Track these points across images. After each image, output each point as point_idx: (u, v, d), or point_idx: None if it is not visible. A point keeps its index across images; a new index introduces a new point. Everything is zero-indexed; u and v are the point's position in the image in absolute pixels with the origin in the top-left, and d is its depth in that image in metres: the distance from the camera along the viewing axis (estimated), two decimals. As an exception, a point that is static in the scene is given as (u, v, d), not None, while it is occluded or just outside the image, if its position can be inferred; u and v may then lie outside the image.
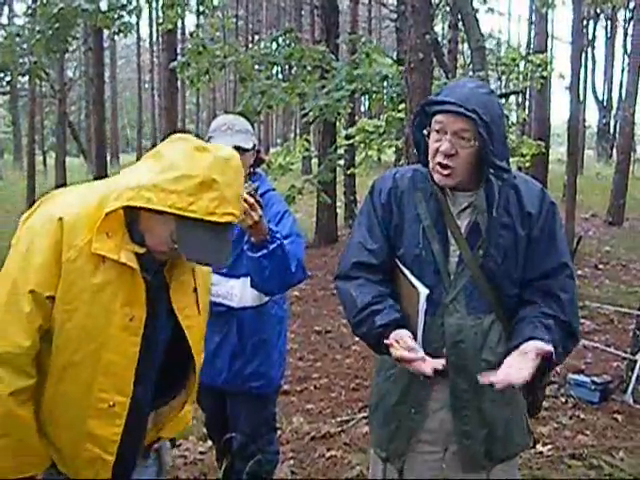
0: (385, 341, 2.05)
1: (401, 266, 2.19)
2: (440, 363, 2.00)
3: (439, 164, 2.09)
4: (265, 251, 2.76)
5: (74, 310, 1.82)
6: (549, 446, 4.35)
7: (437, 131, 2.08)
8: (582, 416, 4.87)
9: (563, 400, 5.15)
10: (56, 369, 1.87)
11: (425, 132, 2.14)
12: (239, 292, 3.09)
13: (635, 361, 5.26)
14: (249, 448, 3.24)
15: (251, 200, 2.60)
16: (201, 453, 4.33)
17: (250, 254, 2.81)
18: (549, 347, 1.98)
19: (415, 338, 2.07)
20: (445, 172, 2.09)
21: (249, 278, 3.03)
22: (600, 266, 10.63)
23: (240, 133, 3.04)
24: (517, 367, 1.96)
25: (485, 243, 2.13)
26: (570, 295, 2.17)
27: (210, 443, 4.01)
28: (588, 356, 6.28)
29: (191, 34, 9.66)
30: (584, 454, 4.25)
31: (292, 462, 4.22)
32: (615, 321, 7.32)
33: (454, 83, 2.20)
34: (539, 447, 4.32)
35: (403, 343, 2.02)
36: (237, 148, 2.94)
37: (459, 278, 2.15)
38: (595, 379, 5.21)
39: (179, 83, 15.92)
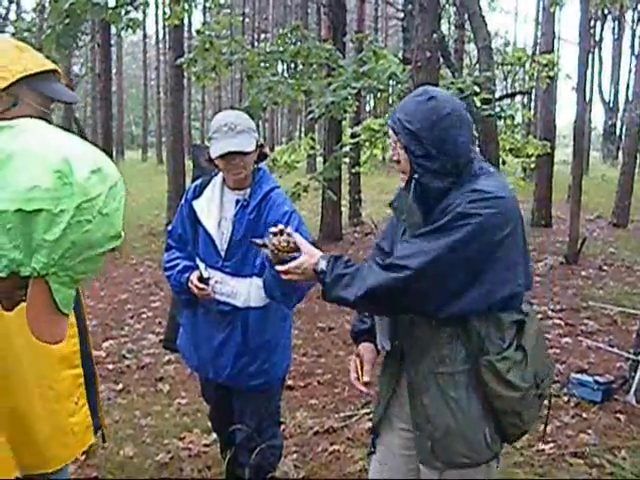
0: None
1: None
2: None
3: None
4: None
5: None
6: (551, 444, 4.36)
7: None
8: (584, 415, 4.87)
9: (566, 399, 5.15)
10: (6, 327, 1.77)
11: None
12: (245, 292, 3.09)
13: (638, 361, 5.26)
14: (253, 441, 3.25)
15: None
16: (205, 446, 4.36)
17: (273, 272, 2.64)
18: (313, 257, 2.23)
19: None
20: (401, 176, 2.25)
21: (255, 279, 3.05)
22: (604, 267, 10.61)
23: (242, 134, 3.01)
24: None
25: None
26: (389, 261, 2.15)
27: (214, 436, 4.05)
28: (591, 356, 6.28)
29: (198, 31, 9.65)
30: (586, 453, 4.25)
31: (295, 456, 4.24)
32: (619, 322, 7.31)
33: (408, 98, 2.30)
34: (541, 445, 4.34)
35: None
36: (239, 153, 2.98)
37: None
38: (598, 379, 5.21)
39: (185, 80, 15.92)
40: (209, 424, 3.91)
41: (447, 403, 2.20)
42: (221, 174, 3.17)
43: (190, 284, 3.11)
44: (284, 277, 2.25)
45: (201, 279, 3.08)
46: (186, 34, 22.28)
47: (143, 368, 6.05)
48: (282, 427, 4.52)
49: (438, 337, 2.20)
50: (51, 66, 1.88)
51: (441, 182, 2.14)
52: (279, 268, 2.26)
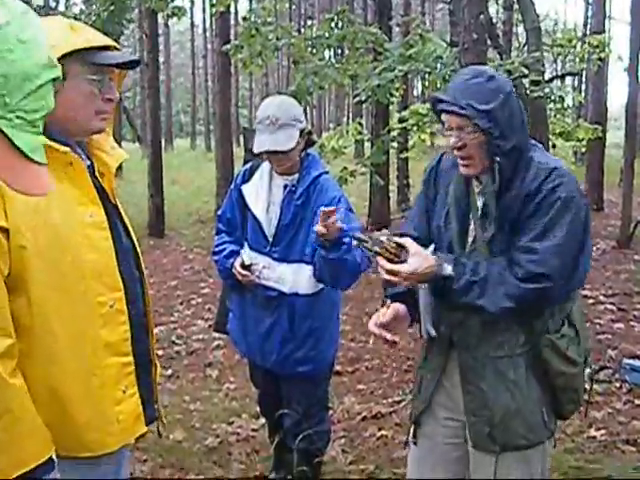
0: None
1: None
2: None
3: (459, 157, 2.18)
4: (337, 253, 2.84)
5: (39, 228, 1.74)
6: (603, 431, 4.30)
7: (446, 127, 2.19)
8: (637, 402, 4.79)
9: (618, 385, 5.07)
10: (43, 309, 1.77)
11: None
12: (291, 278, 3.10)
13: (693, 347, 5.15)
14: (301, 426, 3.27)
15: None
16: (253, 430, 4.40)
17: (323, 254, 2.87)
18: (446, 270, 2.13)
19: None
20: (463, 163, 2.19)
21: (303, 266, 3.07)
22: (657, 252, 10.37)
23: (283, 128, 2.97)
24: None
25: (491, 225, 2.18)
26: (523, 272, 2.09)
27: (262, 420, 4.08)
28: (645, 341, 6.17)
29: (244, 18, 9.67)
30: (638, 440, 4.19)
31: (343, 441, 4.26)
32: (670, 307, 7.15)
33: (455, 76, 2.26)
34: (592, 432, 4.28)
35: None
36: (276, 152, 2.98)
37: (470, 257, 2.19)
38: (651, 364, 5.13)
39: (232, 68, 15.98)
40: (257, 409, 3.95)
41: (507, 386, 2.22)
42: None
43: (234, 270, 3.14)
44: (395, 280, 2.14)
45: (244, 266, 3.11)
46: (232, 22, 22.33)
47: (192, 354, 6.13)
48: (330, 412, 4.54)
49: (496, 324, 2.20)
50: (106, 41, 1.89)
51: (511, 161, 2.14)
52: (392, 268, 2.10)
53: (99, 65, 1.85)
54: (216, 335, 5.93)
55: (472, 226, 2.23)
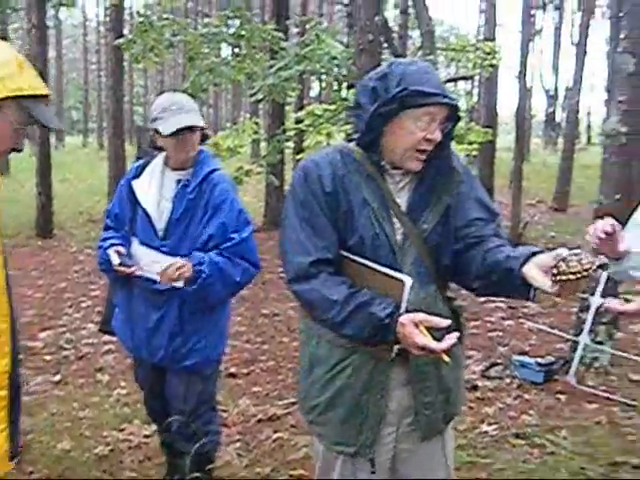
0: (401, 329, 1.94)
1: (362, 260, 2.11)
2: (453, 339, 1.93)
3: (421, 151, 2.09)
4: (195, 286, 2.96)
5: None
6: (494, 426, 4.39)
7: (425, 121, 2.06)
8: (526, 397, 4.93)
9: (508, 381, 5.21)
10: None
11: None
12: None
13: (578, 342, 5.34)
14: (189, 428, 3.21)
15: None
16: (146, 436, 4.25)
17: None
18: None
19: None
20: (423, 157, 2.10)
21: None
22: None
23: (191, 112, 3.04)
24: None
25: (428, 217, 2.15)
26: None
27: (155, 426, 3.95)
28: (532, 338, 6.37)
29: (138, 13, 9.43)
30: (528, 433, 4.30)
31: (238, 445, 4.17)
32: (559, 304, 7.42)
33: (413, 68, 2.08)
34: (484, 427, 4.37)
35: (431, 322, 1.94)
36: (191, 128, 3.02)
37: (407, 254, 2.14)
38: (539, 360, 5.29)
39: (126, 64, 15.60)
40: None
41: (457, 359, 2.25)
42: (161, 155, 3.16)
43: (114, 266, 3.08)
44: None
45: (121, 263, 3.06)
46: (127, 17, 21.80)
47: (82, 358, 5.90)
48: (225, 415, 4.48)
49: (434, 303, 2.19)
50: (44, 91, 1.87)
51: None
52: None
53: (31, 117, 1.85)
54: (107, 339, 5.73)
55: (397, 225, 2.14)
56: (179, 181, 3.11)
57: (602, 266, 1.87)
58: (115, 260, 3.04)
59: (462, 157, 2.30)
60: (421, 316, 1.95)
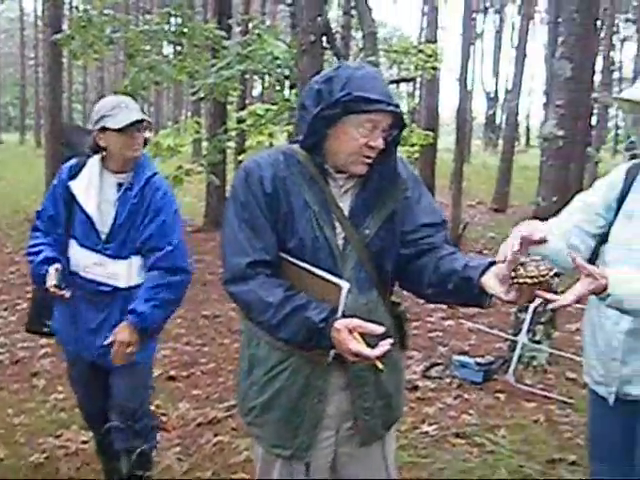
0: (335, 335, 1.92)
1: (301, 263, 2.09)
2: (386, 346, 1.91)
3: (366, 157, 2.07)
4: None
5: None
6: (434, 426, 4.43)
7: (367, 128, 2.03)
8: (466, 396, 4.99)
9: (448, 381, 5.27)
10: None
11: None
12: (126, 273, 3.10)
13: (516, 342, 5.44)
14: (131, 427, 3.19)
15: None
16: (83, 442, 4.16)
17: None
18: None
19: None
20: (368, 161, 2.09)
21: (134, 259, 3.10)
22: (485, 251, 10.96)
23: (138, 110, 3.10)
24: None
25: (370, 223, 2.13)
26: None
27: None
28: (472, 338, 6.46)
29: (77, 7, 9.24)
30: (468, 433, 4.35)
31: (178, 449, 4.12)
32: (498, 304, 7.51)
33: (360, 73, 2.04)
34: (424, 427, 4.41)
35: (366, 329, 1.92)
36: (142, 122, 3.08)
37: (348, 259, 2.12)
38: (479, 360, 5.37)
39: (65, 61, 15.27)
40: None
41: (396, 364, 2.28)
42: (97, 156, 3.14)
43: (48, 285, 3.04)
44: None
45: (57, 285, 3.02)
46: (67, 12, 21.33)
47: (17, 363, 5.74)
48: (165, 419, 4.41)
49: (374, 309, 2.18)
50: None
51: None
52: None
53: None
54: (44, 342, 5.60)
55: (339, 229, 2.12)
56: (119, 184, 3.11)
57: (558, 274, 1.89)
58: (50, 281, 3.00)
59: (407, 162, 2.29)
60: (355, 322, 1.93)
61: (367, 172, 2.12)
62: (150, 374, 3.40)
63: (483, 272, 1.97)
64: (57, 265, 3.03)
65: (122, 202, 3.08)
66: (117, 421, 3.20)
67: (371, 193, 2.15)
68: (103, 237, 3.08)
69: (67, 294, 3.01)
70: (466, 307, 2.37)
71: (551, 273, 1.85)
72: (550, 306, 1.94)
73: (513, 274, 1.86)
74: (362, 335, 1.92)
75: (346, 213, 2.14)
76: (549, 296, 1.89)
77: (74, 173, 3.15)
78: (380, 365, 1.92)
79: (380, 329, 1.91)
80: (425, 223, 2.20)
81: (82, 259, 3.08)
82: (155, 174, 3.16)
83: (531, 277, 1.84)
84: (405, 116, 2.16)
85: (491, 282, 1.93)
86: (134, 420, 3.20)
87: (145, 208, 3.08)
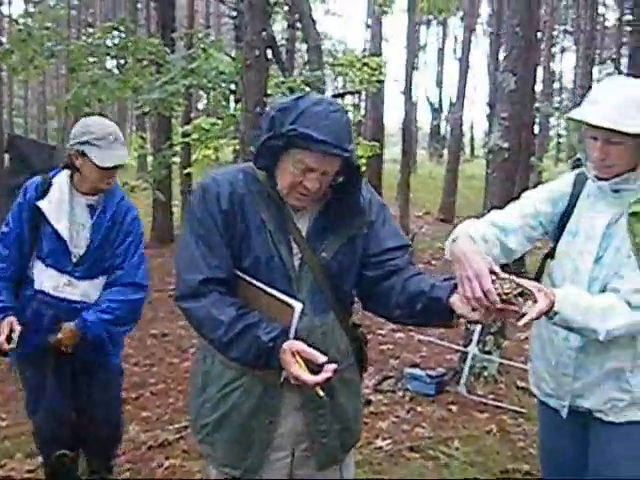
0: (282, 356, 1.92)
1: (255, 282, 2.07)
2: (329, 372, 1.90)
3: (302, 194, 2.05)
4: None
5: None
6: (388, 440, 4.42)
7: (299, 168, 2.00)
8: (419, 409, 4.99)
9: (401, 394, 5.25)
10: None
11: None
12: (95, 291, 3.17)
13: (467, 353, 5.46)
14: (102, 431, 3.38)
15: None
16: (29, 471, 4.04)
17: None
18: None
19: None
20: (304, 198, 2.07)
21: (101, 278, 3.18)
22: (433, 262, 11.05)
23: (124, 145, 3.15)
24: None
25: (328, 246, 2.12)
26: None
27: (39, 459, 3.72)
28: (423, 350, 6.48)
29: (16, 21, 9.04)
30: (422, 446, 4.34)
31: (129, 474, 4.02)
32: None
33: (316, 109, 1.97)
34: (379, 442, 4.38)
35: (307, 355, 1.91)
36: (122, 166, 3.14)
37: (304, 280, 2.11)
38: (430, 372, 5.37)
39: (5, 74, 14.94)
40: (32, 447, 3.64)
41: (354, 389, 2.29)
42: (65, 174, 3.13)
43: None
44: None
45: (8, 338, 3.04)
46: (6, 25, 20.87)
47: (-42, 389, 5.54)
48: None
49: (330, 331, 2.18)
50: None
51: None
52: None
53: None
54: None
55: (296, 250, 2.10)
56: (90, 206, 3.14)
57: (522, 294, 1.93)
58: (1, 336, 3.03)
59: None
60: (298, 345, 1.92)
61: (329, 195, 2.12)
62: (120, 381, 3.56)
63: (451, 292, 2.01)
64: (11, 319, 3.05)
65: (97, 225, 3.12)
66: (92, 432, 3.35)
67: (331, 217, 2.14)
68: (74, 259, 3.10)
69: (11, 347, 3.04)
70: (434, 327, 2.40)
71: (515, 292, 1.91)
72: (519, 323, 1.95)
73: None
74: (305, 360, 1.90)
75: (304, 234, 2.12)
76: (516, 316, 1.94)
77: (41, 192, 3.11)
78: (321, 393, 1.90)
79: (322, 358, 1.90)
80: (390, 247, 2.20)
81: (49, 279, 3.10)
82: (123, 197, 3.24)
83: (498, 295, 1.90)
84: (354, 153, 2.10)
85: (458, 302, 1.98)
86: (117, 430, 3.46)
87: (117, 231, 3.15)
